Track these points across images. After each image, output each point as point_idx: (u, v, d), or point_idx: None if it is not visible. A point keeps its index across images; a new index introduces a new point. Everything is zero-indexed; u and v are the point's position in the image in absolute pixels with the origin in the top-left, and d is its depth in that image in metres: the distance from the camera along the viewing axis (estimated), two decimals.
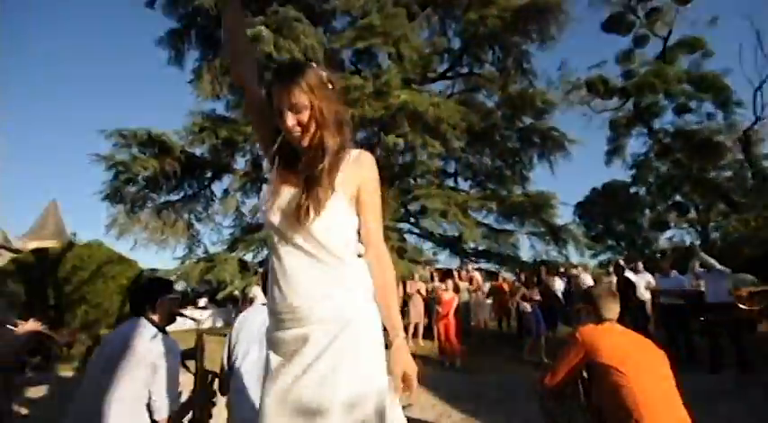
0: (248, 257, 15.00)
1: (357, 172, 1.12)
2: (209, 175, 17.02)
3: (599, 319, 2.31)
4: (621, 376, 1.97)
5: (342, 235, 1.12)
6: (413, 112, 12.90)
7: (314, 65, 1.14)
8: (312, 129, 1.09)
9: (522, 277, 10.58)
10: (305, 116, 1.08)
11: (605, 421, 2.04)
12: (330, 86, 1.13)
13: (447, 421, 4.93)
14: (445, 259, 19.58)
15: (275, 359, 1.08)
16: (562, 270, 13.43)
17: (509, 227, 16.97)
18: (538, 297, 8.69)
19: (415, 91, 13.81)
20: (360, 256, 1.22)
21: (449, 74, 17.69)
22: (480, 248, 16.92)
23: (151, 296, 2.37)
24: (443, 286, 9.37)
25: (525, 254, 16.46)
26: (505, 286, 11.43)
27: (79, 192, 54.99)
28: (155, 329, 2.26)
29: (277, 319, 1.08)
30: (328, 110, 1.11)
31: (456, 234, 15.85)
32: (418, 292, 10.18)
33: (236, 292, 13.42)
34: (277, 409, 1.00)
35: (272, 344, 1.09)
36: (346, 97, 13.51)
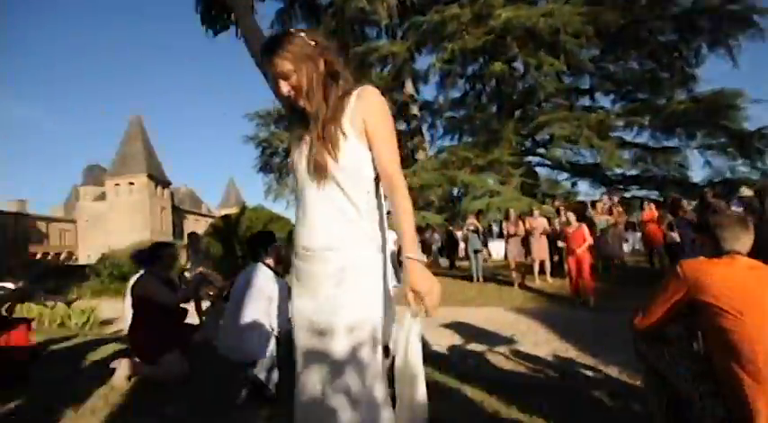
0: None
1: (360, 107, 1.15)
2: None
3: (718, 252, 1.83)
4: (735, 320, 1.54)
5: (358, 171, 1.17)
6: (521, 30, 11.25)
7: (292, 31, 1.21)
8: (305, 89, 1.17)
9: (670, 202, 8.56)
10: (294, 80, 1.17)
11: (715, 372, 1.70)
12: (313, 44, 1.18)
13: (561, 357, 4.70)
14: (588, 190, 17.28)
15: (296, 285, 1.30)
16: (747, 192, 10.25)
17: (671, 143, 13.75)
18: (691, 220, 6.97)
19: (520, 5, 11.89)
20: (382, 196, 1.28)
21: None
22: (630, 173, 14.29)
23: (262, 245, 3.00)
24: (566, 219, 8.47)
25: (699, 174, 13.14)
26: (653, 214, 9.47)
27: (248, 166, 67.06)
28: (269, 271, 2.85)
29: (297, 253, 1.26)
30: (314, 68, 1.17)
31: (596, 161, 13.74)
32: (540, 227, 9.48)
33: None
34: (298, 326, 1.25)
35: (295, 269, 1.29)
36: (444, 31, 12.71)
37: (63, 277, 18.85)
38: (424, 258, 1.17)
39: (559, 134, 11.67)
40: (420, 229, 15.07)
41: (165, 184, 59.07)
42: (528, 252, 9.18)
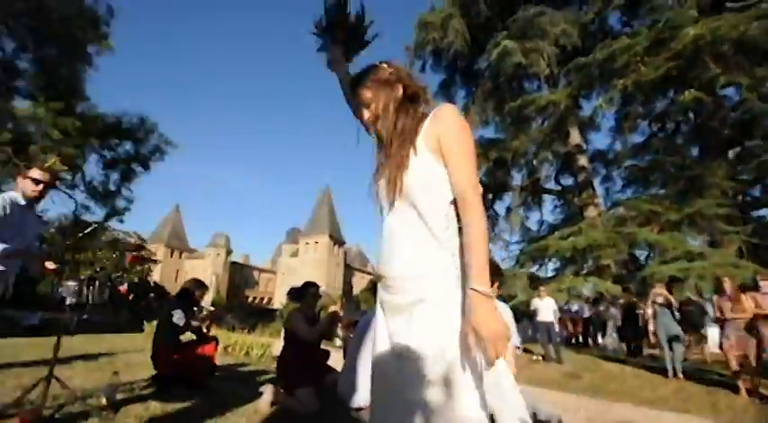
0: (534, 270, 14.25)
1: (435, 126, 1.13)
2: (490, 196, 17.98)
3: None
4: None
5: (434, 191, 1.12)
6: (722, 45, 8.87)
7: (375, 63, 1.29)
8: (383, 115, 1.22)
9: None
10: (374, 108, 1.23)
11: None
12: (390, 71, 1.24)
13: None
14: None
15: (379, 318, 1.24)
16: None
17: None
18: None
19: (719, 17, 9.49)
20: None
21: None
22: None
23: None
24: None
25: None
26: None
27: None
28: None
29: (379, 279, 1.23)
30: (390, 93, 1.22)
31: None
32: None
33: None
34: (374, 363, 1.20)
35: (379, 300, 1.24)
36: (612, 67, 11.15)
37: (260, 317, 22.82)
38: (492, 293, 1.01)
39: None
40: (594, 301, 12.36)
41: (341, 243, 67.89)
42: (760, 343, 6.09)
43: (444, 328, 1.05)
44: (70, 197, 3.50)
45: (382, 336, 1.17)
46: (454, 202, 1.12)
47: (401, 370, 1.06)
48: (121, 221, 17.99)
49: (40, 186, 2.57)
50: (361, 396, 2.70)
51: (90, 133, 14.45)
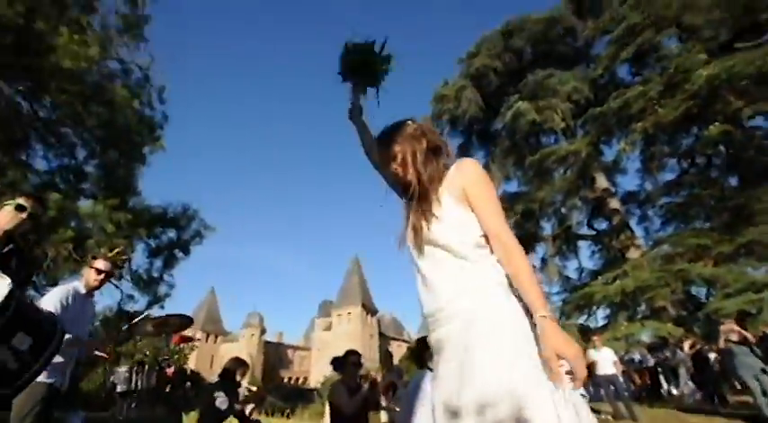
0: (582, 320, 13.40)
1: (458, 176, 1.23)
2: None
3: None
4: None
5: (461, 233, 1.18)
6: (740, 79, 9.16)
7: (399, 121, 1.41)
8: (409, 167, 1.30)
9: None
10: (400, 161, 1.32)
11: None
12: (414, 127, 1.36)
13: None
14: None
15: (435, 368, 1.22)
16: None
17: None
18: None
19: (731, 57, 9.93)
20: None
21: None
22: None
23: (425, 352, 2.92)
24: None
25: None
26: None
27: None
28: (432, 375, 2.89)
29: (427, 323, 1.24)
30: (415, 148, 1.32)
31: None
32: None
33: None
34: (436, 408, 1.16)
35: (431, 344, 1.24)
36: (629, 112, 11.54)
37: (297, 399, 21.76)
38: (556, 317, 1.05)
39: None
40: (658, 347, 11.36)
41: (374, 312, 66.11)
42: None
43: (505, 355, 1.00)
44: (117, 287, 3.73)
45: (441, 378, 1.13)
46: (485, 237, 1.15)
47: (465, 411, 1.00)
48: (162, 308, 18.42)
49: (102, 276, 2.73)
50: None
51: (139, 224, 15.57)
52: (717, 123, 9.66)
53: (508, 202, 16.24)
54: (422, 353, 3.05)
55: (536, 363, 0.98)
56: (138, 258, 17.48)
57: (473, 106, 17.32)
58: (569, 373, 0.93)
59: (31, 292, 14.31)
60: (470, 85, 17.31)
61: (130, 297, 16.95)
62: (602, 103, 12.99)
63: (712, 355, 9.36)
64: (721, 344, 7.05)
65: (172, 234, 18.00)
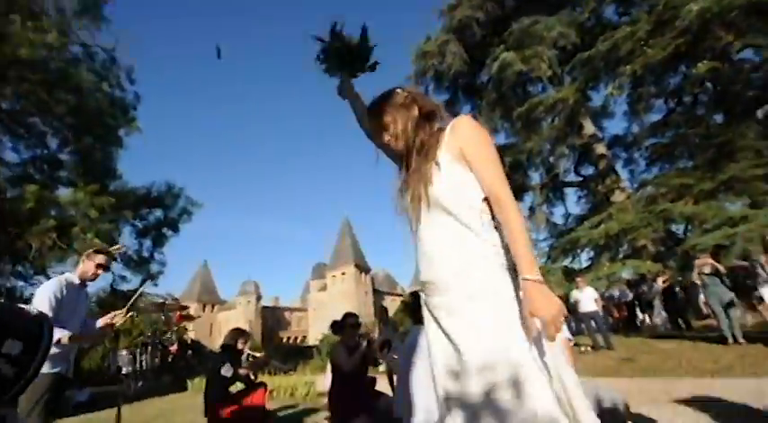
0: (567, 263, 14.05)
1: (454, 137, 1.19)
2: None
3: None
4: None
5: (463, 194, 1.17)
6: (732, 13, 8.98)
7: (388, 90, 1.38)
8: (402, 135, 1.29)
9: None
10: (392, 130, 1.31)
11: None
12: (405, 95, 1.33)
13: None
14: None
15: (429, 329, 1.24)
16: None
17: None
18: None
19: None
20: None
21: None
22: None
23: (420, 307, 2.99)
24: None
25: None
26: None
27: None
28: None
29: (423, 288, 1.26)
30: (407, 114, 1.30)
31: None
32: None
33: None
34: (437, 373, 1.20)
35: (425, 311, 1.27)
36: (617, 55, 11.35)
37: (297, 356, 22.71)
38: (542, 279, 1.06)
39: None
40: (636, 283, 12.10)
41: (367, 270, 67.71)
42: None
43: (500, 326, 1.05)
44: (109, 270, 3.73)
45: (437, 341, 1.17)
46: (486, 201, 1.15)
47: (467, 373, 1.06)
48: (156, 285, 18.46)
49: (101, 270, 2.79)
50: (420, 417, 2.59)
51: (123, 207, 15.14)
52: (705, 61, 9.61)
53: (498, 153, 16.25)
54: (416, 308, 3.12)
55: (519, 332, 1.04)
56: (127, 240, 17.20)
57: (457, 60, 16.72)
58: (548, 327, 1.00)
59: (20, 283, 14.10)
60: (453, 38, 16.56)
61: (123, 278, 16.88)
62: (590, 48, 12.68)
63: (678, 288, 10.21)
64: (695, 276, 7.67)
65: (158, 213, 17.64)
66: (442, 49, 16.74)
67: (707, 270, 7.18)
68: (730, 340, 6.65)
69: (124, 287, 17.57)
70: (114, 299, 17.92)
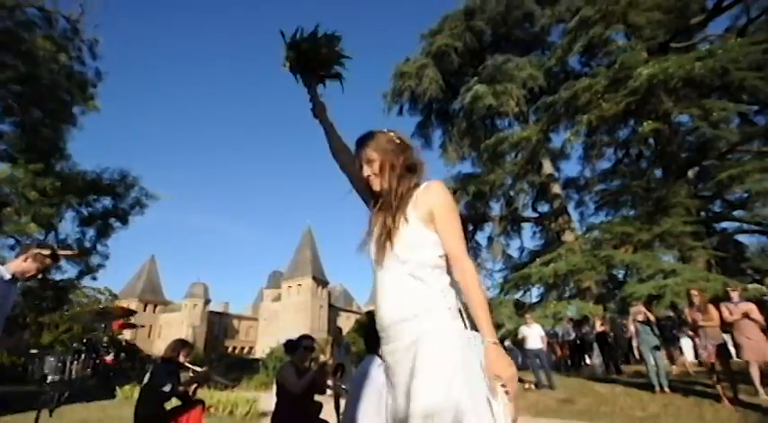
0: (518, 296, 14.57)
1: (426, 198, 1.27)
2: (471, 228, 18.58)
3: None
4: None
5: (421, 252, 1.24)
6: (673, 82, 10.00)
7: (384, 130, 1.44)
8: (382, 176, 1.36)
9: None
10: (375, 167, 1.37)
11: None
12: (397, 142, 1.40)
13: None
14: None
15: (386, 378, 1.31)
16: None
17: None
18: None
19: (668, 56, 10.81)
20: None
21: (725, 4, 12.82)
22: None
23: (374, 336, 3.01)
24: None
25: None
26: None
27: None
28: (381, 362, 2.87)
29: (381, 335, 1.30)
30: (394, 160, 1.36)
31: None
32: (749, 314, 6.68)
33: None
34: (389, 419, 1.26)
35: (384, 354, 1.31)
36: (576, 105, 12.22)
37: (241, 369, 21.57)
38: (498, 342, 1.14)
39: (759, 188, 9.02)
40: (579, 323, 12.73)
41: (324, 284, 66.56)
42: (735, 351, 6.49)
43: (445, 371, 1.08)
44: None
45: (391, 387, 1.25)
46: (442, 258, 1.24)
47: (413, 419, 1.07)
48: (95, 279, 17.20)
49: (41, 273, 2.53)
50: None
51: (69, 191, 14.17)
52: (650, 121, 10.55)
53: (462, 182, 16.81)
54: (370, 335, 3.04)
55: (477, 378, 1.08)
56: (68, 227, 16.02)
57: (433, 85, 17.39)
58: (504, 387, 1.07)
59: None
60: (432, 63, 17.28)
61: (58, 267, 15.63)
62: (554, 92, 13.64)
63: (611, 334, 10.89)
64: (630, 323, 8.18)
65: (107, 202, 16.59)
66: (420, 72, 17.39)
67: (640, 318, 7.63)
68: (657, 388, 7.07)
69: (57, 277, 16.34)
70: (43, 290, 16.55)
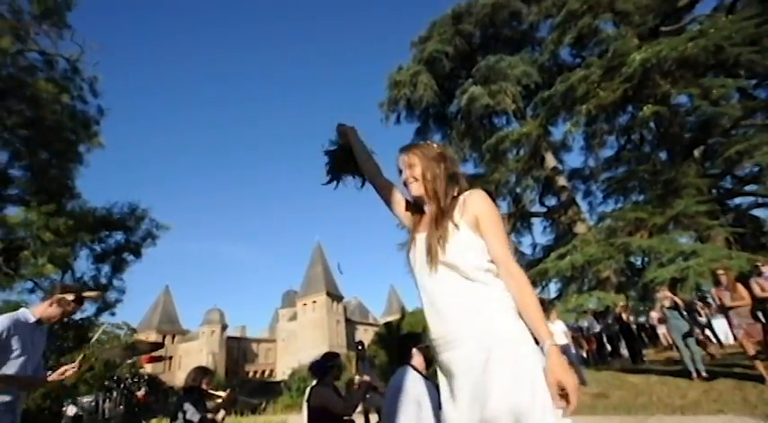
0: (537, 292, 14.39)
1: (471, 206, 1.30)
2: None
3: None
4: None
5: (472, 257, 1.25)
6: (668, 64, 9.99)
7: (427, 142, 1.51)
8: (422, 181, 1.39)
9: None
10: (416, 172, 1.40)
11: None
12: (438, 151, 1.44)
13: None
14: None
15: (442, 385, 1.29)
16: None
17: None
18: None
19: (660, 40, 10.82)
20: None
21: None
22: None
23: (407, 347, 2.95)
24: None
25: None
26: None
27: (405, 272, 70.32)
28: (416, 373, 2.75)
29: (436, 345, 1.28)
30: (435, 168, 1.39)
31: None
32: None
33: None
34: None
35: (439, 367, 1.30)
36: (574, 96, 12.24)
37: (264, 393, 21.43)
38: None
39: (765, 161, 8.90)
40: (602, 314, 12.52)
41: (339, 298, 66.30)
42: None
43: (522, 378, 1.07)
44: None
45: (457, 395, 1.20)
46: (490, 263, 1.24)
47: (497, 415, 1.07)
48: (113, 314, 17.32)
49: (67, 316, 2.55)
50: None
51: (81, 229, 14.38)
52: (649, 105, 10.52)
53: (467, 184, 16.80)
54: (403, 346, 3.01)
55: (542, 384, 1.06)
56: (82, 264, 16.22)
57: (428, 91, 17.54)
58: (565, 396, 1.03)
59: None
60: (424, 69, 17.47)
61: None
62: (550, 86, 13.69)
63: (654, 314, 10.64)
64: (657, 310, 7.97)
65: (119, 237, 16.81)
66: (414, 79, 17.58)
67: (667, 303, 7.42)
68: (694, 375, 6.78)
69: (76, 316, 16.46)
70: (64, 330, 16.68)
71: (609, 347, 12.00)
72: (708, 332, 10.23)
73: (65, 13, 11.71)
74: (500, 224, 1.28)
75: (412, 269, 1.38)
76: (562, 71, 14.32)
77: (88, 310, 16.42)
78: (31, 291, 13.52)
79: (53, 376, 2.51)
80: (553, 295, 15.78)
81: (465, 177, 1.43)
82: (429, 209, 1.38)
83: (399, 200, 1.59)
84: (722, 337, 10.13)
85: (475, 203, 1.30)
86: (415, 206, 1.51)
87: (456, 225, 1.27)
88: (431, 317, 1.27)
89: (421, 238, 1.35)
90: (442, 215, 1.31)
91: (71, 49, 12.31)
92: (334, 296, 64.89)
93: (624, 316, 10.75)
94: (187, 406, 3.48)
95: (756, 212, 13.10)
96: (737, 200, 12.89)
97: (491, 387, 1.09)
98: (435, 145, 1.46)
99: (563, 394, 1.03)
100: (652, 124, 12.67)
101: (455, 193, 1.37)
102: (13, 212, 12.17)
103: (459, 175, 1.42)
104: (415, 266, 1.35)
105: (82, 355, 2.80)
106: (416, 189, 1.40)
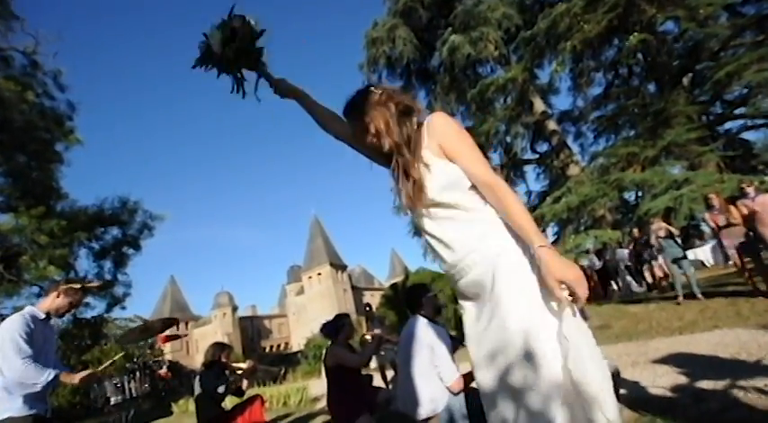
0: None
1: (433, 134, 1.25)
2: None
3: None
4: None
5: (454, 186, 1.22)
6: None
7: (361, 88, 1.38)
8: (384, 133, 1.30)
9: None
10: (372, 130, 1.32)
11: None
12: (379, 92, 1.33)
13: None
14: None
15: (465, 317, 1.31)
16: None
17: None
18: None
19: None
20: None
21: None
22: None
23: (417, 297, 3.00)
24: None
25: None
26: None
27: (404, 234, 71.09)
28: (425, 320, 2.82)
29: (450, 275, 1.31)
30: (385, 112, 1.30)
31: None
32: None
33: None
34: (475, 361, 1.26)
35: (458, 293, 1.33)
36: (557, 32, 11.82)
37: (283, 364, 22.31)
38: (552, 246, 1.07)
39: (760, 79, 8.76)
40: (600, 252, 12.80)
41: (343, 267, 67.44)
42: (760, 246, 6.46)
43: (533, 295, 1.08)
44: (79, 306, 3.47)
45: (477, 318, 1.23)
46: (473, 188, 1.20)
47: (496, 349, 1.12)
48: (123, 308, 17.53)
49: (74, 307, 2.64)
50: (427, 407, 2.60)
51: (75, 229, 14.24)
52: (635, 33, 10.20)
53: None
54: (410, 299, 3.10)
55: (539, 301, 1.06)
56: (84, 263, 16.22)
57: (408, 46, 16.88)
58: (571, 295, 0.99)
59: None
60: (401, 22, 16.69)
61: (86, 305, 15.90)
62: (532, 27, 13.18)
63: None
64: (652, 240, 8.13)
65: (116, 232, 16.71)
66: (391, 34, 16.85)
67: (662, 233, 7.54)
68: (680, 298, 6.99)
69: (88, 314, 16.66)
70: (79, 329, 16.92)
71: (609, 282, 12.34)
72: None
73: (8, 2, 10.85)
74: (464, 141, 1.22)
75: (404, 208, 1.36)
76: (543, 8, 13.75)
77: (98, 306, 16.58)
78: (38, 295, 13.59)
79: (78, 376, 2.56)
80: (551, 239, 16.06)
81: (417, 104, 1.33)
82: (396, 155, 1.31)
83: (334, 116, 1.50)
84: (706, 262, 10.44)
85: (435, 130, 1.24)
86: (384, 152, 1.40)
87: (424, 161, 1.23)
88: (440, 250, 1.26)
89: (401, 182, 1.31)
90: (407, 156, 1.26)
91: (25, 42, 11.60)
92: (338, 266, 65.98)
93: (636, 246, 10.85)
94: (210, 380, 3.58)
95: (746, 136, 13.12)
96: (727, 125, 12.86)
97: (498, 310, 1.11)
98: (372, 88, 1.34)
99: (570, 291, 0.99)
100: (639, 55, 12.36)
101: (414, 127, 1.30)
102: (3, 220, 11.95)
103: (411, 105, 1.32)
104: (407, 206, 1.32)
105: (110, 362, 2.87)
106: (385, 146, 1.31)
